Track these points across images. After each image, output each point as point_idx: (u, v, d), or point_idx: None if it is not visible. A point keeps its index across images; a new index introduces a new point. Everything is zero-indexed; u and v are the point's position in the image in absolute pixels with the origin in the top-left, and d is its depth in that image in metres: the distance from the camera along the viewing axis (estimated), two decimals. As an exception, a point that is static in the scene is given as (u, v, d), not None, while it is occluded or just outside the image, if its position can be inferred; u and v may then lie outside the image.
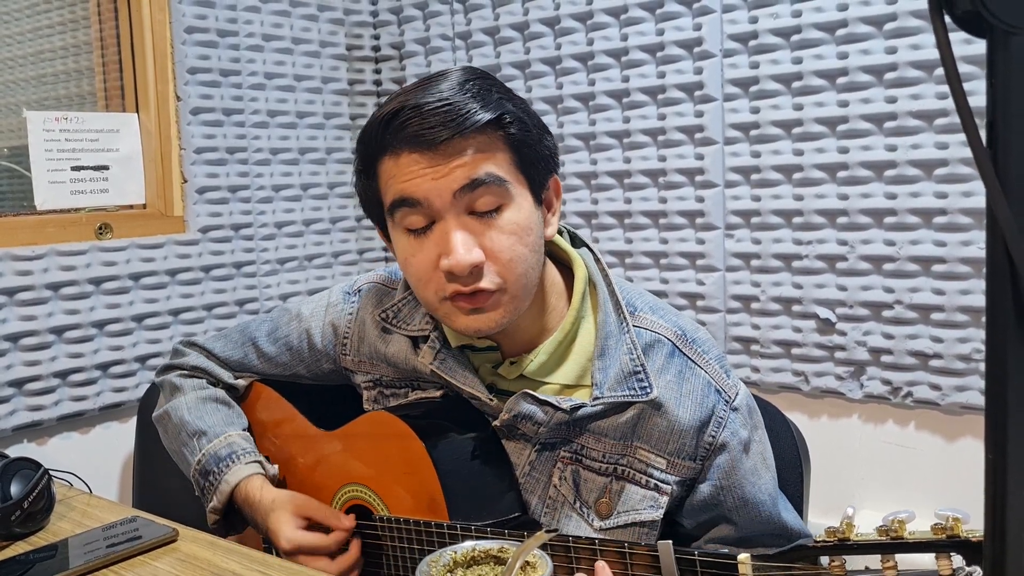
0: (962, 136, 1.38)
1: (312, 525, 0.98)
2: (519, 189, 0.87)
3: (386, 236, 0.95)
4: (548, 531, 0.66)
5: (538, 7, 1.79)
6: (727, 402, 0.92)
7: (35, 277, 1.51)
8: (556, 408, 0.90)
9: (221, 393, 1.14)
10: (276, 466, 1.09)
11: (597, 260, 0.97)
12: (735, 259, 1.64)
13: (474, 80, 0.86)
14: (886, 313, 1.49)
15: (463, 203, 0.84)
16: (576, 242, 1.00)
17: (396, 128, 0.83)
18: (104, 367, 1.61)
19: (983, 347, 1.40)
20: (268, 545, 1.09)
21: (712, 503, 0.92)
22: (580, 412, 0.90)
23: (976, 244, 1.39)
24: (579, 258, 0.97)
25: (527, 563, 0.66)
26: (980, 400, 1.42)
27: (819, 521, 0.91)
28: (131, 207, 1.73)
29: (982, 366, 1.40)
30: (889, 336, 1.49)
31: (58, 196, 1.60)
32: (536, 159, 0.88)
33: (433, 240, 0.86)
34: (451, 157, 0.83)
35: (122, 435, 1.66)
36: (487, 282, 0.85)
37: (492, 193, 0.84)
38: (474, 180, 0.83)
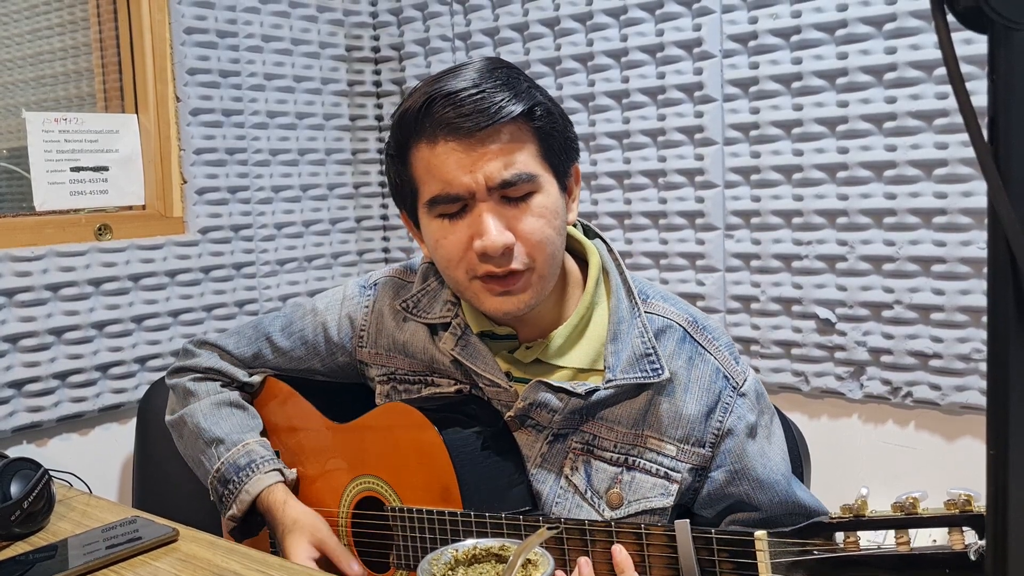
0: (961, 136, 1.38)
1: (323, 559, 1.00)
2: (547, 176, 0.90)
3: (410, 220, 0.97)
4: (549, 527, 0.66)
5: (538, 8, 1.80)
6: (734, 388, 0.94)
7: (34, 278, 1.51)
8: (571, 394, 0.92)
9: (235, 396, 1.15)
10: (294, 471, 1.10)
11: (610, 250, 1.00)
12: (735, 259, 1.64)
13: (500, 68, 0.89)
14: (886, 313, 1.49)
15: (498, 191, 0.88)
16: (590, 234, 1.03)
17: (432, 115, 0.86)
18: (104, 368, 1.61)
19: (983, 347, 1.41)
20: (275, 550, 1.09)
21: (728, 490, 0.93)
22: (594, 396, 0.92)
23: (976, 244, 1.39)
24: (593, 248, 1.00)
25: (528, 561, 0.66)
26: (980, 400, 1.42)
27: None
28: (130, 208, 1.73)
29: (982, 366, 1.40)
30: (889, 336, 1.49)
31: (57, 197, 1.60)
32: (560, 149, 0.92)
33: (466, 223, 0.89)
34: (486, 147, 0.86)
35: (122, 436, 1.65)
36: (517, 263, 0.88)
37: (524, 185, 0.88)
38: (506, 181, 0.87)
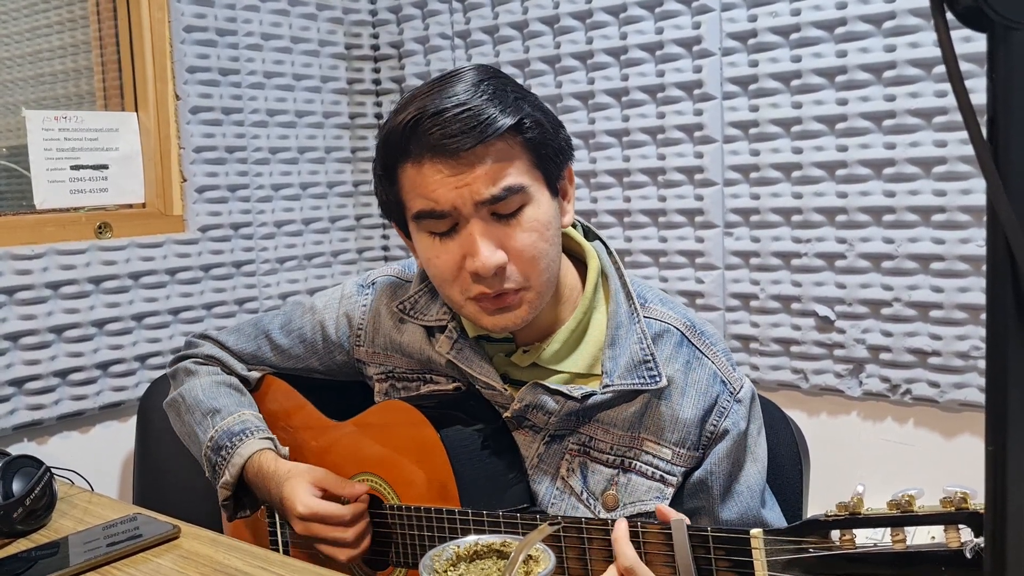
0: (960, 134, 1.38)
1: (327, 497, 0.99)
2: (538, 187, 0.89)
3: (405, 235, 0.96)
4: (552, 523, 0.66)
5: (537, 6, 1.80)
6: (732, 393, 0.93)
7: (35, 276, 1.51)
8: (567, 397, 0.92)
9: (235, 380, 1.15)
10: (287, 448, 1.09)
11: (609, 252, 1.00)
12: (734, 257, 1.64)
13: (488, 80, 0.87)
14: (885, 311, 1.49)
15: (486, 208, 0.86)
16: (589, 235, 1.02)
17: (418, 136, 0.85)
18: (104, 366, 1.61)
19: (981, 344, 1.41)
20: (272, 525, 1.09)
21: (700, 488, 0.93)
22: (591, 400, 0.92)
23: (975, 242, 1.39)
24: (592, 250, 0.99)
25: (530, 556, 0.66)
26: (978, 397, 1.42)
27: (819, 517, 0.92)
28: (130, 206, 1.73)
29: (980, 363, 1.40)
30: (888, 334, 1.49)
31: (57, 195, 1.60)
32: (552, 155, 0.90)
33: (457, 242, 0.88)
34: (473, 165, 0.84)
35: (122, 434, 1.66)
36: (511, 283, 0.87)
37: (514, 198, 0.86)
38: (494, 196, 0.85)
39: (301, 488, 0.98)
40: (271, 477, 1.02)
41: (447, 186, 0.85)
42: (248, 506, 1.08)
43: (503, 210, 0.86)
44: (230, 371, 1.16)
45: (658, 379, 0.91)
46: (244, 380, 1.17)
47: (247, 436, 1.06)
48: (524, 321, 0.91)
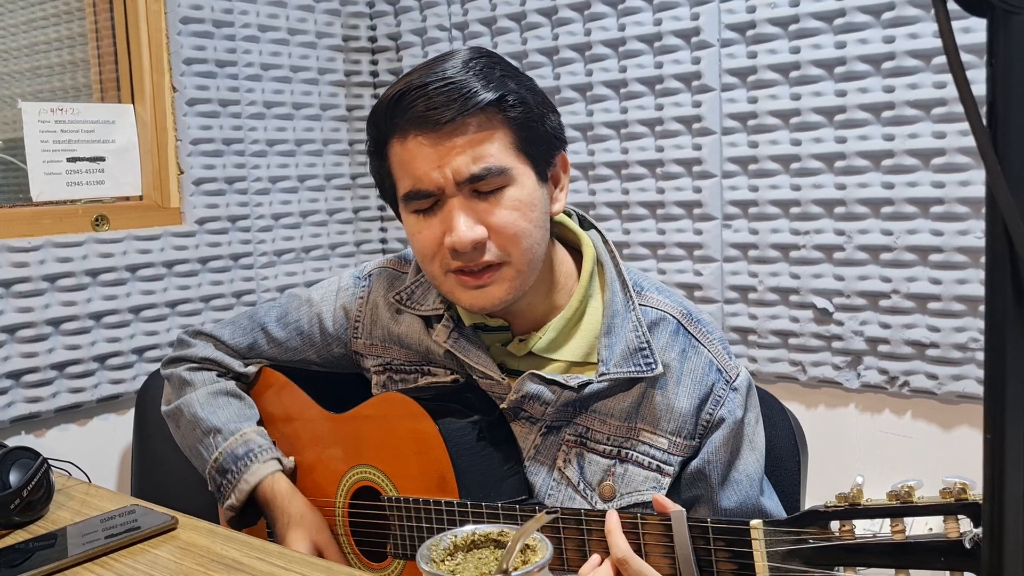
0: (959, 125, 1.38)
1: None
2: (522, 168, 0.89)
3: (398, 213, 0.97)
4: (548, 512, 0.66)
5: (535, -3, 1.79)
6: (727, 381, 0.93)
7: (31, 269, 1.51)
8: (563, 387, 0.92)
9: (232, 386, 1.15)
10: (292, 459, 1.10)
11: (605, 242, 1.00)
12: (733, 249, 1.64)
13: (478, 59, 0.88)
14: (883, 303, 1.49)
15: (468, 186, 0.87)
16: (585, 224, 1.02)
17: (402, 109, 0.86)
18: (101, 359, 1.61)
19: (980, 336, 1.41)
20: (272, 532, 1.10)
21: (698, 477, 0.93)
22: (587, 389, 0.92)
23: (973, 233, 1.39)
24: (588, 239, 0.99)
25: (527, 546, 0.66)
26: (976, 389, 1.42)
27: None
28: (127, 199, 1.72)
29: (978, 355, 1.40)
30: (886, 326, 1.49)
31: (54, 188, 1.60)
32: (539, 139, 0.90)
33: (439, 218, 0.89)
34: (453, 140, 0.85)
35: (120, 427, 1.66)
36: (491, 255, 0.88)
37: (495, 179, 0.87)
38: (474, 175, 0.86)
39: (301, 544, 1.00)
40: (282, 512, 1.04)
41: (430, 162, 0.86)
42: (251, 519, 1.09)
43: (484, 188, 0.87)
44: (226, 370, 1.15)
45: (654, 366, 0.91)
46: (241, 376, 1.16)
47: (252, 460, 1.06)
48: (503, 301, 0.90)
